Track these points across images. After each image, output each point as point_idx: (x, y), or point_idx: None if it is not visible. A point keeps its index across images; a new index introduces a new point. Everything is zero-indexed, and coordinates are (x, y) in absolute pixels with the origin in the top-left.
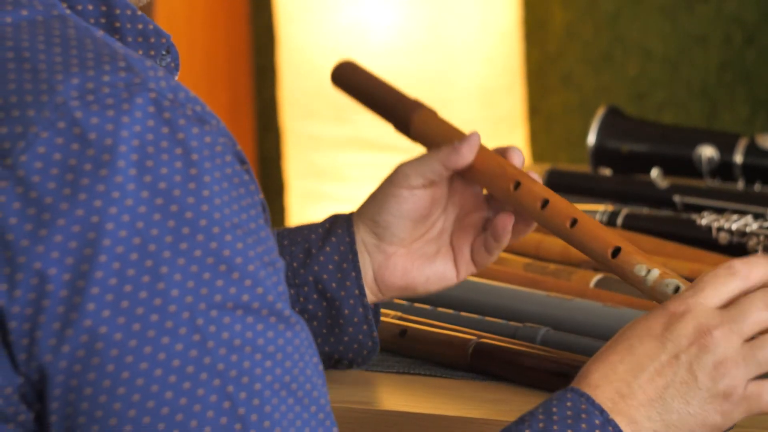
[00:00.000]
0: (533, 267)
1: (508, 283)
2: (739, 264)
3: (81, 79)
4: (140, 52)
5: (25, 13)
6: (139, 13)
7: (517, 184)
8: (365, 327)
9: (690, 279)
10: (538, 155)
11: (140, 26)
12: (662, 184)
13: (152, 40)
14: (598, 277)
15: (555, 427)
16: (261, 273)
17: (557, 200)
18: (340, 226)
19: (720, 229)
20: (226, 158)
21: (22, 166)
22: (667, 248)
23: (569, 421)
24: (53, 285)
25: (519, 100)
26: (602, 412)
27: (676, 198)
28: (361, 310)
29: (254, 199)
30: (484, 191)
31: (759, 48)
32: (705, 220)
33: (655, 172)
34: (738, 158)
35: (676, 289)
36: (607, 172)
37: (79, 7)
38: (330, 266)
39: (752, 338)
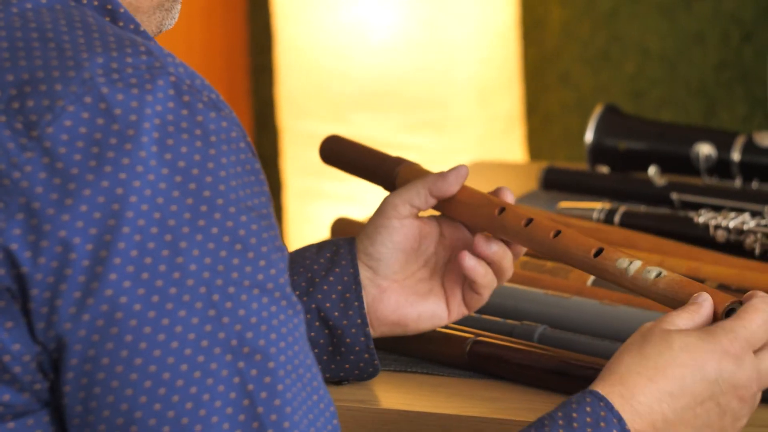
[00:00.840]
0: (530, 265)
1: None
2: None
3: (105, 58)
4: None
5: (43, 1)
6: (142, 28)
7: (502, 210)
8: (367, 356)
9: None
10: (535, 153)
11: (132, 27)
12: (660, 181)
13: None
14: None
15: None
16: (273, 256)
17: (541, 218)
18: (344, 257)
19: (717, 226)
20: (240, 144)
21: (49, 138)
22: (665, 246)
23: (588, 429)
24: (76, 254)
25: (517, 98)
26: (620, 420)
27: (674, 196)
28: (362, 339)
29: (263, 189)
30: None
31: (757, 46)
32: (702, 217)
33: (652, 170)
34: (735, 156)
35: (658, 275)
36: (604, 170)
37: (85, 1)
38: (333, 296)
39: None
